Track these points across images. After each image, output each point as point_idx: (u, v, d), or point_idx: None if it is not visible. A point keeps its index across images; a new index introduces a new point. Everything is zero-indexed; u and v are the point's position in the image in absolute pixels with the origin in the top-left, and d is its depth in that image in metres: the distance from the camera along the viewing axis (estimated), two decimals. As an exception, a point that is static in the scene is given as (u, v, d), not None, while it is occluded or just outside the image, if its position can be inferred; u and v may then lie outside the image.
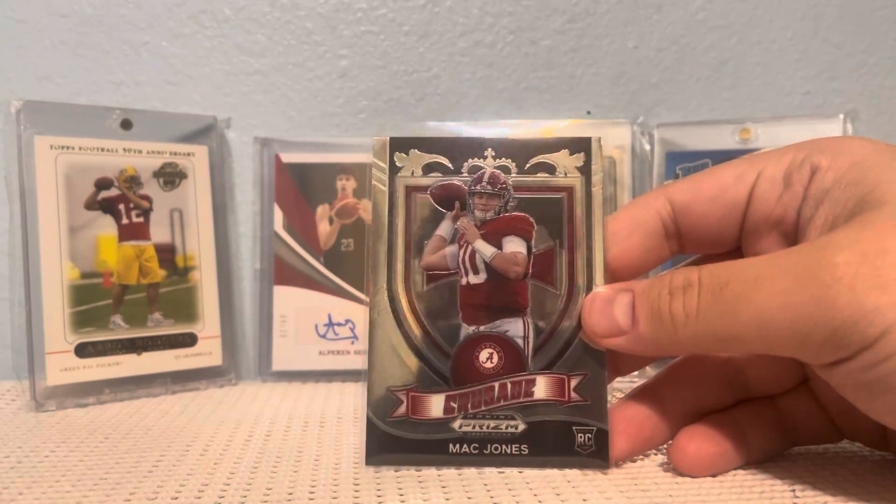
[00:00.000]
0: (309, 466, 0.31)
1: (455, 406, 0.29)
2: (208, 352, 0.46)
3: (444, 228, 0.31)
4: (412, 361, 0.30)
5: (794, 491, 0.27)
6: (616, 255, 0.30)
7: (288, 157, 0.49)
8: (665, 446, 0.31)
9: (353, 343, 0.48)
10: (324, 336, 0.48)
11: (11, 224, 0.42)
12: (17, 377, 0.43)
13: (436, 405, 0.29)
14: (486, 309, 0.30)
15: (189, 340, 0.45)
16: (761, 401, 0.31)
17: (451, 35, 0.52)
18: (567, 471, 0.29)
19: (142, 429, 0.36)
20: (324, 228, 0.49)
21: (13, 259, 0.42)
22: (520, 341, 0.30)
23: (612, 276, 0.31)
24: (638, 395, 0.31)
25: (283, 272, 0.48)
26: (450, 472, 0.29)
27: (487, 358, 0.30)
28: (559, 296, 0.30)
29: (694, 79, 0.53)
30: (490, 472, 0.29)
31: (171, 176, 0.46)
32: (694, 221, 0.30)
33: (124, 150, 0.44)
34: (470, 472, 0.29)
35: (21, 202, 0.41)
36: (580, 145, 0.31)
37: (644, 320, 0.27)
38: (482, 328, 0.30)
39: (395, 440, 0.29)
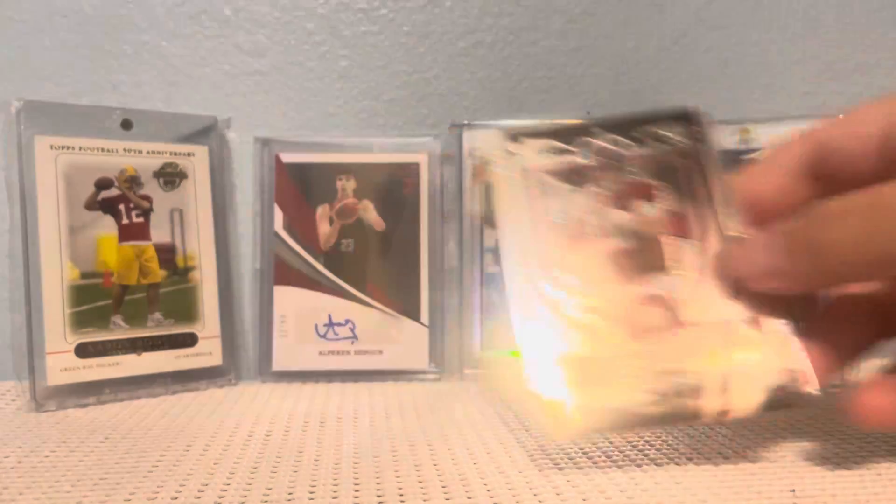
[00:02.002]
0: (309, 466, 0.31)
1: None
2: (208, 352, 0.46)
3: (571, 204, 0.31)
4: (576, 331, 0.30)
5: (794, 491, 0.27)
6: (758, 197, 0.30)
7: (288, 157, 0.49)
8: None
9: (353, 343, 0.48)
10: (324, 336, 0.48)
11: (11, 224, 0.42)
12: (17, 377, 0.42)
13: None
14: (634, 270, 0.31)
15: (189, 340, 0.45)
16: None
17: (451, 35, 0.51)
18: (567, 469, 0.29)
19: (142, 429, 0.36)
20: (324, 228, 0.48)
21: (13, 259, 0.42)
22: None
23: (753, 220, 0.30)
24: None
25: (283, 272, 0.48)
26: (450, 471, 0.29)
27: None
28: (696, 250, 0.31)
29: (694, 79, 0.53)
30: (490, 472, 0.29)
31: (171, 176, 0.46)
32: (841, 162, 0.29)
33: (124, 150, 0.44)
34: (470, 471, 0.29)
35: (21, 202, 0.41)
36: (682, 114, 0.32)
37: (795, 256, 0.27)
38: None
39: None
